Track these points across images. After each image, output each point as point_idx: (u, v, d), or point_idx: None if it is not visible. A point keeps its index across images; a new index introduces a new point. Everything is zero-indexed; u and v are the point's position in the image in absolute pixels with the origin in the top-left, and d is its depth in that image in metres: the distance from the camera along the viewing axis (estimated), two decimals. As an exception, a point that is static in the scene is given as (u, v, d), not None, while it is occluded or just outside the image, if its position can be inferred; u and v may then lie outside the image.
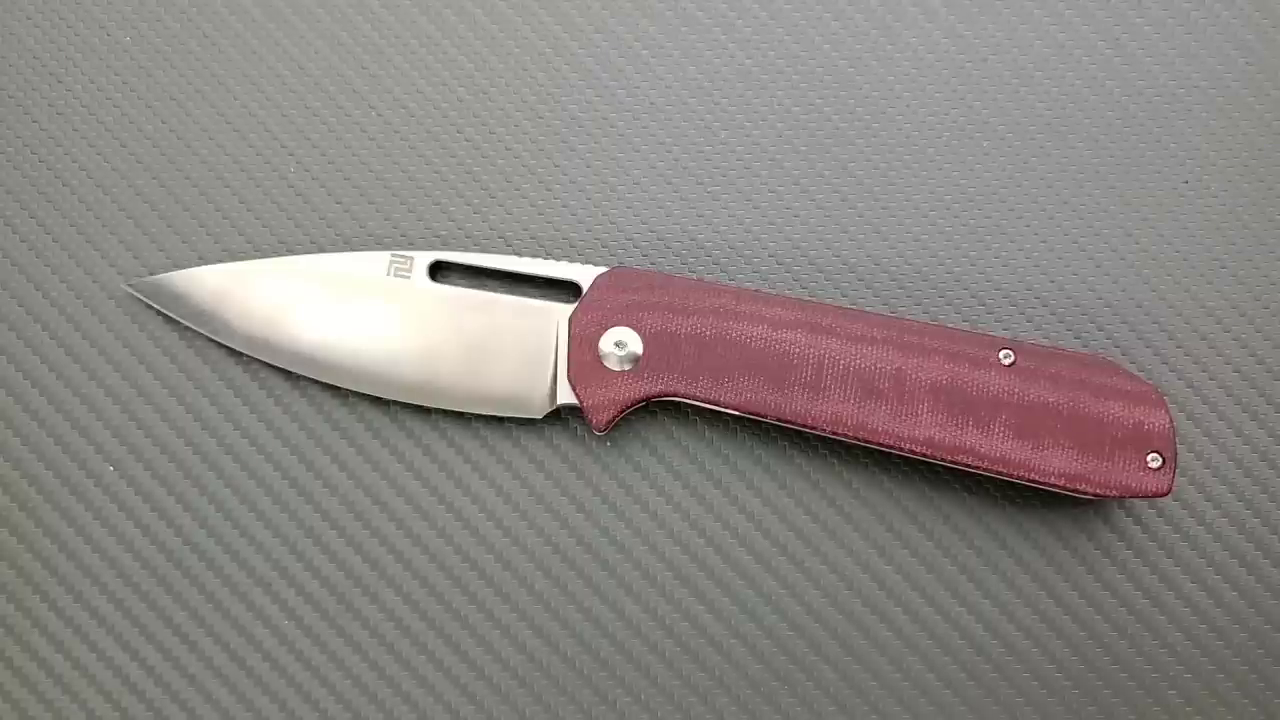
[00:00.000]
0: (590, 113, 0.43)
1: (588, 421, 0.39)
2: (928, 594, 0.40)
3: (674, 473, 0.40)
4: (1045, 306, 0.41)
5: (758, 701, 0.39)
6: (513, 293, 0.40)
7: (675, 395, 0.38)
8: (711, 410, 0.39)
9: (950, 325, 0.41)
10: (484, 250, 0.42)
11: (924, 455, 0.37)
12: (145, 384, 0.41)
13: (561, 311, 0.39)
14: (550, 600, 0.40)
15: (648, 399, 0.38)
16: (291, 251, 0.42)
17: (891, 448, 0.37)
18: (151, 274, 0.42)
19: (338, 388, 0.40)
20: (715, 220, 0.42)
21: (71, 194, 0.42)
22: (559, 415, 0.40)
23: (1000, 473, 0.37)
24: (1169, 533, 0.40)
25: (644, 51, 0.43)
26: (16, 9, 0.44)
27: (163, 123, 0.43)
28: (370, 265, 0.40)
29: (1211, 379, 0.41)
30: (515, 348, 0.39)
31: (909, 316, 0.41)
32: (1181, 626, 0.39)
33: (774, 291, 0.41)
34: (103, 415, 0.41)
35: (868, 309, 0.41)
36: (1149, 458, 0.36)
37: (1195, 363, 0.41)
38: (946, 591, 0.40)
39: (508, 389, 0.39)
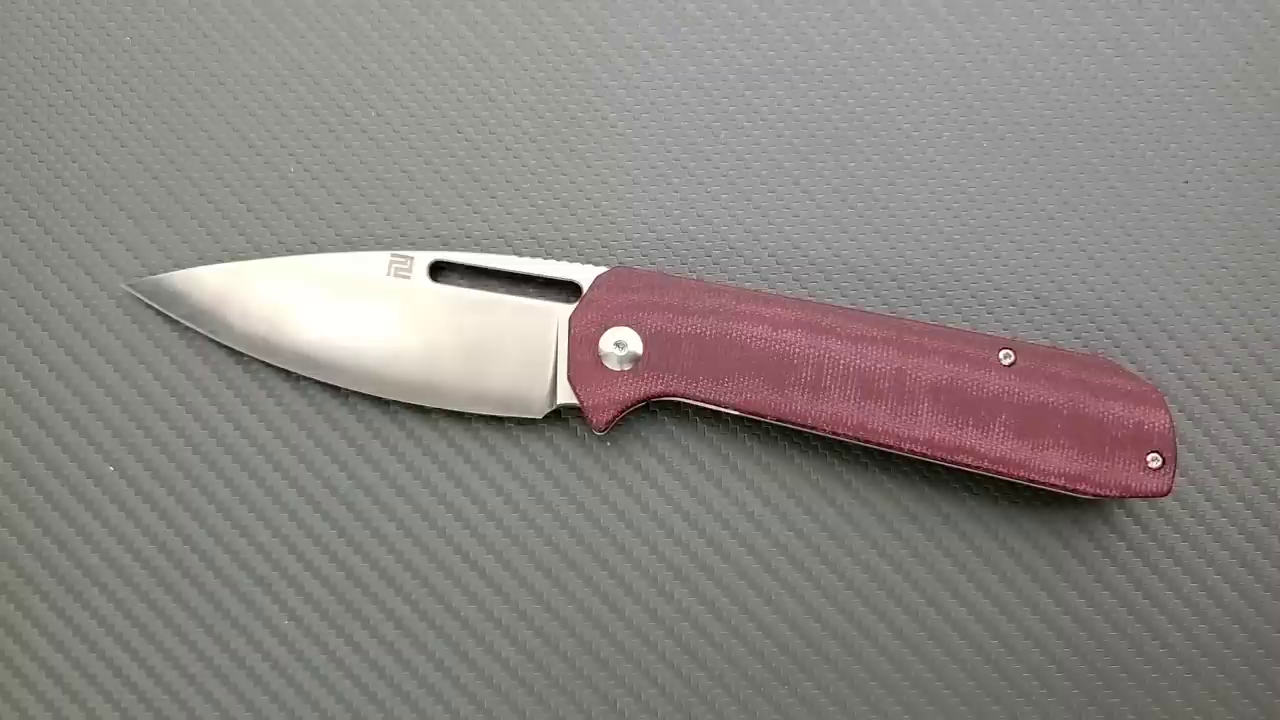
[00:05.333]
0: (590, 113, 0.43)
1: (588, 421, 0.39)
2: (928, 594, 0.40)
3: (674, 473, 0.40)
4: (1045, 306, 0.41)
5: (758, 701, 0.39)
6: (513, 293, 0.40)
7: (675, 395, 0.38)
8: (711, 410, 0.39)
9: (950, 325, 0.41)
10: (484, 250, 0.42)
11: (924, 455, 0.37)
12: (145, 384, 0.41)
13: (561, 311, 0.39)
14: (550, 600, 0.40)
15: (648, 399, 0.38)
16: (291, 251, 0.42)
17: (891, 448, 0.37)
18: (151, 274, 0.42)
19: (338, 388, 0.40)
20: (715, 220, 0.42)
21: (71, 194, 0.42)
22: (559, 415, 0.40)
23: (1000, 473, 0.37)
24: (1169, 533, 0.40)
25: (644, 51, 0.43)
26: (16, 9, 0.44)
27: (163, 123, 0.43)
28: (370, 265, 0.40)
29: (1211, 379, 0.41)
30: (515, 348, 0.39)
31: (909, 316, 0.41)
32: (1181, 626, 0.39)
33: (774, 291, 0.41)
34: (103, 415, 0.41)
35: (868, 309, 0.41)
36: (1149, 458, 0.36)
37: (1195, 363, 0.41)
38: (946, 591, 0.40)
39: (508, 389, 0.39)
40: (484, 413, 0.40)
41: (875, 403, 0.37)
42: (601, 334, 0.38)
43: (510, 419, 0.40)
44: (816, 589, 0.40)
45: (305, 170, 0.43)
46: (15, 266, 0.42)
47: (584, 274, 0.39)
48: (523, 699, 0.39)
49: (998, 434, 0.37)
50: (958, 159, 0.42)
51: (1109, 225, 0.42)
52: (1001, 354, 0.37)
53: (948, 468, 0.39)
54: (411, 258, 0.40)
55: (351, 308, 0.40)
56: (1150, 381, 0.40)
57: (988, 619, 0.39)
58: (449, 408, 0.40)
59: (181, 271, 0.41)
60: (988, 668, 0.39)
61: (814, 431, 0.38)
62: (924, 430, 0.37)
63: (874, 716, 0.39)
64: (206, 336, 0.41)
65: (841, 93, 0.43)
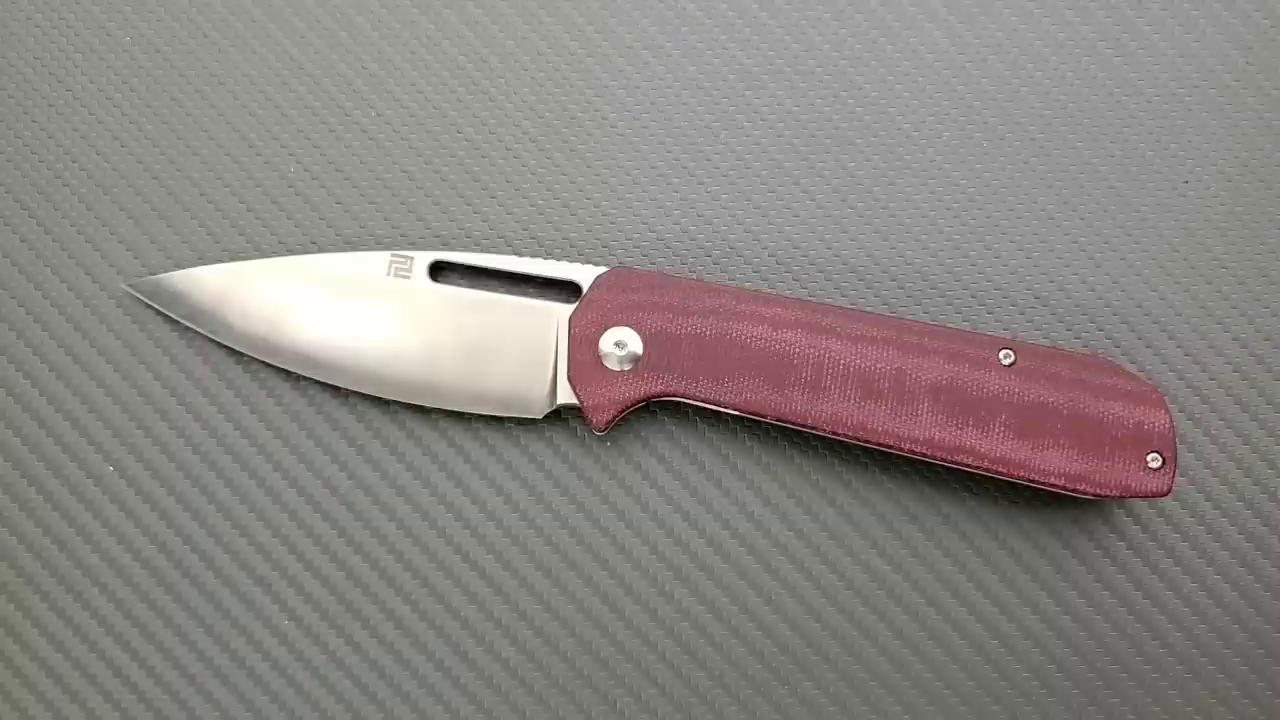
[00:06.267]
0: (590, 113, 0.43)
1: (588, 421, 0.39)
2: (928, 594, 0.40)
3: (674, 473, 0.40)
4: (1045, 306, 0.41)
5: (758, 701, 0.39)
6: (513, 293, 0.40)
7: (675, 395, 0.38)
8: (711, 410, 0.39)
9: (950, 325, 0.41)
10: (484, 250, 0.42)
11: (924, 455, 0.37)
12: (145, 384, 0.41)
13: (561, 311, 0.39)
14: (550, 600, 0.40)
15: (648, 399, 0.38)
16: (291, 251, 0.42)
17: (891, 448, 0.37)
18: (151, 274, 0.42)
19: (338, 388, 0.40)
20: (715, 220, 0.42)
21: (71, 194, 0.42)
22: (559, 415, 0.40)
23: (1000, 473, 0.37)
24: (1169, 533, 0.40)
25: (644, 51, 0.43)
26: (16, 9, 0.44)
27: (163, 123, 0.43)
28: (370, 265, 0.40)
29: (1211, 379, 0.41)
30: (515, 348, 0.39)
31: (909, 316, 0.41)
32: (1181, 626, 0.39)
33: (774, 291, 0.41)
34: (103, 415, 0.41)
35: (868, 309, 0.41)
36: (1149, 458, 0.36)
37: (1195, 363, 0.41)
38: (946, 591, 0.40)
39: (508, 389, 0.39)
40: (484, 413, 0.40)
41: (875, 403, 0.37)
42: (601, 334, 0.38)
43: (510, 419, 0.40)
44: (816, 589, 0.40)
45: (305, 170, 0.43)
46: (15, 266, 0.42)
47: (584, 274, 0.39)
48: (523, 699, 0.39)
49: (998, 434, 0.37)
50: (958, 159, 0.42)
51: (1109, 225, 0.42)
52: (1001, 354, 0.37)
53: (948, 468, 0.39)
54: (411, 258, 0.40)
55: (351, 308, 0.40)
56: (1150, 381, 0.40)
57: (988, 619, 0.39)
58: (449, 408, 0.40)
59: (181, 271, 0.41)
60: (988, 668, 0.39)
61: (814, 431, 0.38)
62: (924, 430, 0.37)
63: (874, 716, 0.39)
64: (206, 336, 0.41)
65: (841, 93, 0.43)
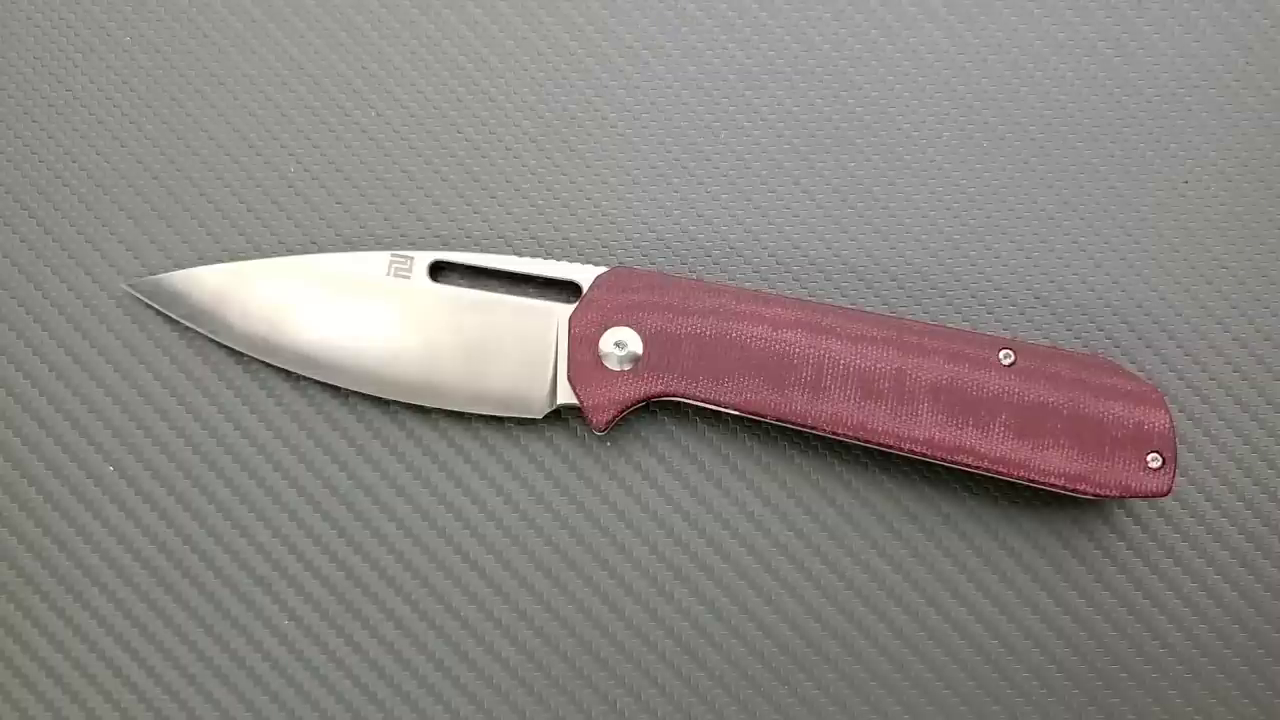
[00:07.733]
0: (590, 113, 0.43)
1: (588, 421, 0.39)
2: (928, 594, 0.40)
3: (674, 473, 0.40)
4: (1045, 306, 0.41)
5: (758, 701, 0.39)
6: (513, 293, 0.40)
7: (675, 395, 0.38)
8: (711, 410, 0.39)
9: (950, 325, 0.41)
10: (484, 250, 0.42)
11: (924, 455, 0.37)
12: (145, 384, 0.41)
13: (561, 311, 0.39)
14: (550, 600, 0.40)
15: (648, 399, 0.38)
16: (291, 251, 0.42)
17: (891, 448, 0.37)
18: (151, 274, 0.42)
19: (338, 388, 0.40)
20: (715, 220, 0.42)
21: (71, 194, 0.42)
22: (559, 415, 0.40)
23: (1000, 473, 0.37)
24: (1169, 533, 0.40)
25: (644, 51, 0.43)
26: (16, 9, 0.44)
27: (163, 123, 0.43)
28: (370, 265, 0.40)
29: (1211, 379, 0.41)
30: (515, 348, 0.39)
31: (909, 316, 0.41)
32: (1181, 626, 0.39)
33: (774, 291, 0.41)
34: (103, 415, 0.41)
35: (868, 309, 0.41)
36: (1149, 458, 0.36)
37: (1195, 363, 0.41)
38: (946, 591, 0.40)
39: (508, 389, 0.39)
40: (484, 413, 0.40)
41: (875, 403, 0.37)
42: (601, 334, 0.38)
43: (510, 419, 0.40)
44: (816, 589, 0.40)
45: (305, 170, 0.43)
46: (15, 266, 0.42)
47: (584, 274, 0.39)
48: (523, 699, 0.39)
49: (998, 434, 0.37)
50: (958, 159, 0.42)
51: (1109, 225, 0.42)
52: (1001, 354, 0.37)
53: (948, 468, 0.39)
54: (411, 258, 0.40)
55: (351, 308, 0.40)
56: (1150, 381, 0.40)
57: (988, 619, 0.39)
58: (449, 408, 0.40)
59: (181, 271, 0.41)
60: (988, 668, 0.39)
61: (814, 431, 0.38)
62: (924, 430, 0.37)
63: (874, 716, 0.39)
64: (206, 336, 0.41)
65: (841, 93, 0.43)
